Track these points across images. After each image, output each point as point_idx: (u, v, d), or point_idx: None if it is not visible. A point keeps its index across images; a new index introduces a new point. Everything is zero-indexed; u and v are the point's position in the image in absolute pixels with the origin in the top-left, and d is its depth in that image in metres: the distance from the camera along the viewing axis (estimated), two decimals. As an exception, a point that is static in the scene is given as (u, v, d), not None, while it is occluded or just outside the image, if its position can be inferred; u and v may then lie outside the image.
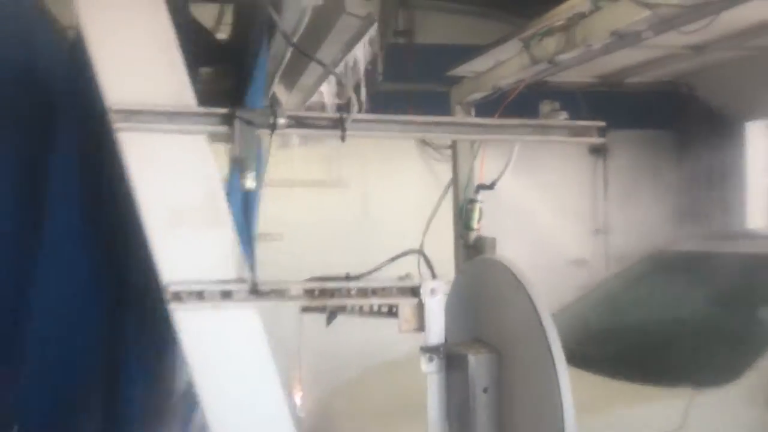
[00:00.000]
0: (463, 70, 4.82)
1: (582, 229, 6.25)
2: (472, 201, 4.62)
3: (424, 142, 5.75)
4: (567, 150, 6.10)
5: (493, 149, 5.46)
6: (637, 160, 6.20)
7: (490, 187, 4.58)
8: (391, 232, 5.00)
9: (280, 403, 1.58)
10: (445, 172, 5.36)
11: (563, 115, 3.67)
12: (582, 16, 3.44)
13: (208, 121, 1.53)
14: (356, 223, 5.16)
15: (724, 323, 3.65)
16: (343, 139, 1.63)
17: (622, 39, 3.35)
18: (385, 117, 1.67)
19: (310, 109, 3.78)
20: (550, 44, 3.66)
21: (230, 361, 1.57)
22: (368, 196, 5.42)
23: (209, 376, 1.54)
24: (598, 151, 6.18)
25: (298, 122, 1.59)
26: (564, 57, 3.65)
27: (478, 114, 4.81)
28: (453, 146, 4.92)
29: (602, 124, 1.82)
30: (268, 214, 4.84)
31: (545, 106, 3.74)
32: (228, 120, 1.54)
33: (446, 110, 4.86)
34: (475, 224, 4.54)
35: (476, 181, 4.75)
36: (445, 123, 1.72)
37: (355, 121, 1.63)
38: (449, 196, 5.00)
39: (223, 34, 3.84)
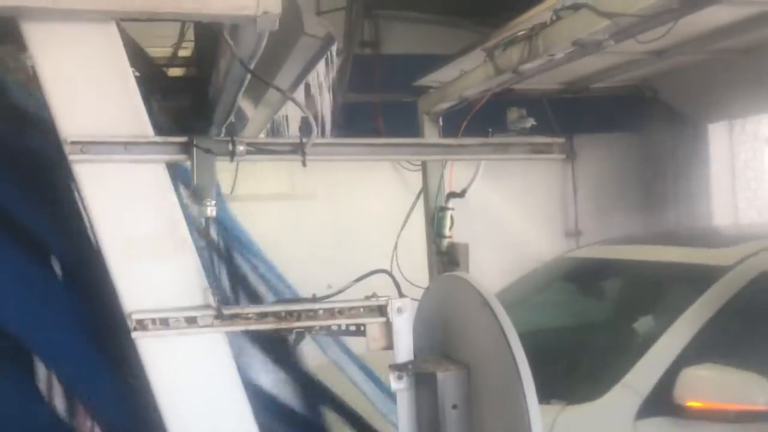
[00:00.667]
0: (429, 80, 4.85)
1: (554, 232, 6.31)
2: (444, 209, 4.67)
3: (394, 152, 5.76)
4: (536, 155, 6.15)
5: (462, 157, 5.48)
6: (605, 163, 6.29)
7: (461, 194, 4.65)
8: (363, 241, 5.00)
9: (250, 428, 1.58)
10: (415, 180, 5.37)
11: (530, 121, 3.70)
12: (544, 26, 3.47)
13: (166, 150, 1.53)
14: (327, 235, 5.14)
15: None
16: (304, 164, 1.63)
17: (584, 48, 3.39)
18: (346, 141, 1.68)
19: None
20: (514, 54, 3.69)
21: (198, 388, 1.56)
22: (338, 207, 5.42)
23: (176, 404, 1.53)
24: (566, 156, 6.24)
25: (258, 149, 1.59)
26: (528, 66, 3.69)
27: (446, 123, 4.84)
28: (422, 156, 4.94)
29: (563, 140, 1.84)
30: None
31: (512, 114, 3.76)
32: (186, 149, 1.53)
33: (414, 120, 4.89)
34: (447, 231, 4.58)
35: (447, 189, 4.79)
36: (408, 144, 1.73)
37: (315, 145, 1.63)
38: (420, 204, 5.03)
39: (186, 50, 3.83)
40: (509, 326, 1.47)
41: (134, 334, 1.50)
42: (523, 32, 3.59)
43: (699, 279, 3.13)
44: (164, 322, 1.52)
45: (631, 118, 6.11)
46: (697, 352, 2.81)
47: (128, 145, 1.49)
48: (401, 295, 1.68)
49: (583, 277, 4.03)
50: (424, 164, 4.89)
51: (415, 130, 4.92)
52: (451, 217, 4.59)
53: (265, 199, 5.01)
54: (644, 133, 6.30)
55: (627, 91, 5.79)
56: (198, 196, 1.52)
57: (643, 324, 3.40)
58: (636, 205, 6.26)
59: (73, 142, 1.45)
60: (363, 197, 5.47)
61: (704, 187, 6.02)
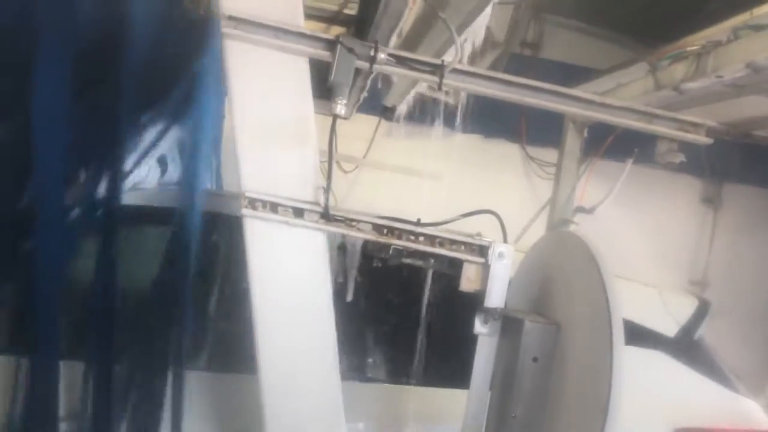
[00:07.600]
0: (583, 89, 4.71)
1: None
2: (568, 222, 4.52)
3: (530, 157, 5.67)
4: (677, 195, 5.85)
5: (599, 175, 5.31)
6: (751, 218, 5.85)
7: (590, 211, 4.48)
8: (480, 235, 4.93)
9: (328, 324, 1.59)
10: (545, 190, 5.24)
11: (680, 157, 3.51)
12: (717, 44, 3.29)
13: (312, 44, 1.57)
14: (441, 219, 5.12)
15: None
16: (439, 86, 1.62)
17: (757, 73, 3.17)
18: (484, 72, 1.66)
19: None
20: (678, 70, 3.52)
21: (291, 279, 1.59)
22: (460, 196, 5.38)
23: (267, 288, 1.57)
24: (710, 201, 5.88)
25: (399, 60, 1.60)
26: (691, 86, 3.49)
27: (590, 137, 4.70)
28: (558, 163, 4.82)
29: (713, 124, 1.74)
30: (358, 192, 4.91)
31: (662, 145, 3.59)
32: (331, 46, 1.57)
33: (557, 128, 4.78)
34: (566, 247, 4.42)
35: (575, 204, 4.65)
36: (546, 90, 1.69)
37: (454, 70, 1.63)
38: (544, 214, 4.90)
39: (351, 10, 3.96)
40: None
41: (243, 211, 1.55)
42: (693, 48, 3.41)
43: None
44: (273, 208, 1.57)
45: (791, 175, 5.65)
46: None
47: (278, 32, 1.55)
48: (506, 241, 1.65)
49: None
50: (558, 172, 4.77)
51: (557, 138, 4.80)
52: (574, 232, 4.43)
53: (392, 170, 5.07)
54: (803, 195, 5.82)
55: (794, 145, 5.36)
56: (332, 92, 1.56)
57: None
58: (775, 270, 5.79)
59: (230, 17, 1.53)
60: (489, 195, 5.39)
61: None
